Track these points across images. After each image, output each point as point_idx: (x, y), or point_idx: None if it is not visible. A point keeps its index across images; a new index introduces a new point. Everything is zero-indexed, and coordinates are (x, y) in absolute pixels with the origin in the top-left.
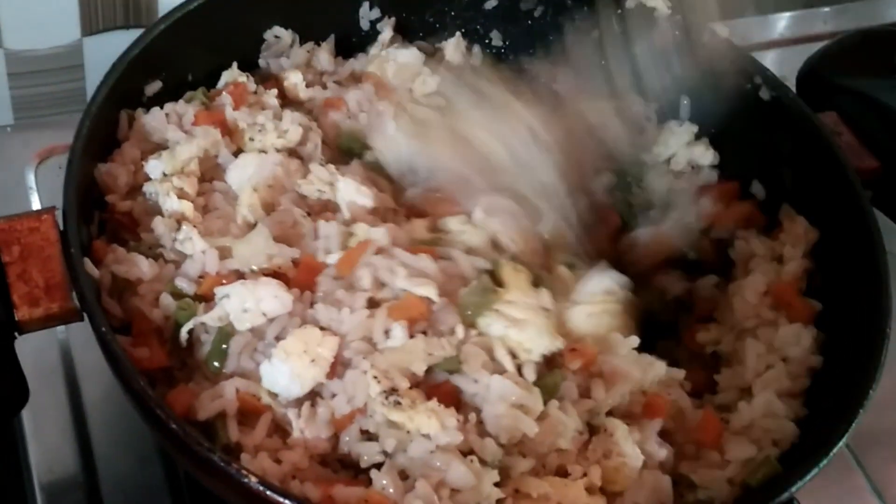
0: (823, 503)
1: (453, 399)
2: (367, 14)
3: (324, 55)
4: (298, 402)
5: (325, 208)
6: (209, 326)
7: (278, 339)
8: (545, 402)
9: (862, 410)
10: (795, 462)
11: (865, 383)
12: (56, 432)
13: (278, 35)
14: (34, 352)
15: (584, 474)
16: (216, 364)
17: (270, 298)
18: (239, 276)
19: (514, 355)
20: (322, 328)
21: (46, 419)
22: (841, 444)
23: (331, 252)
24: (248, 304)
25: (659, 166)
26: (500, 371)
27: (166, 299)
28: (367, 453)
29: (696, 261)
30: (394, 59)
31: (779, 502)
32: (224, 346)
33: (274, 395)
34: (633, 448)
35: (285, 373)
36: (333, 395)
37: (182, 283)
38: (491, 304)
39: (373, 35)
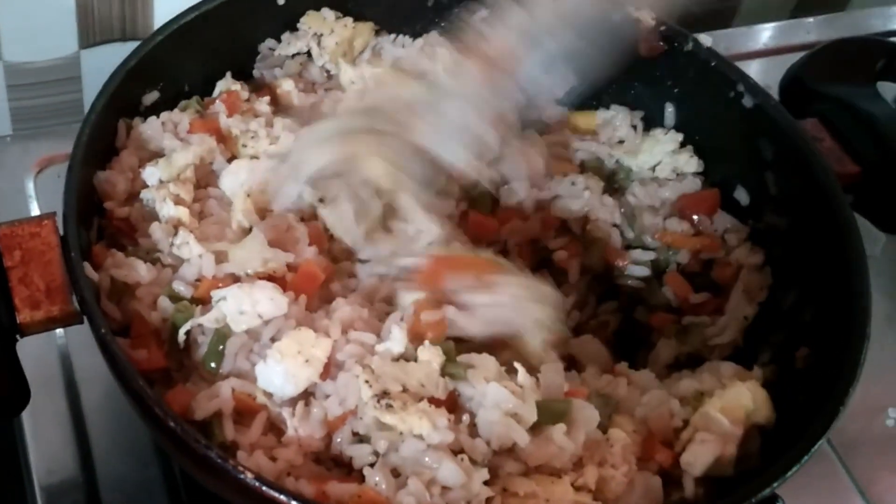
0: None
1: (449, 401)
2: None
3: (315, 68)
4: (293, 402)
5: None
6: (206, 328)
7: (273, 340)
8: (552, 424)
9: (843, 407)
10: (777, 458)
11: (846, 381)
12: (55, 434)
13: (272, 47)
14: (34, 356)
15: (577, 479)
16: (213, 365)
17: (266, 301)
18: (235, 279)
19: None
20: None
21: (46, 422)
22: (823, 440)
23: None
24: (245, 306)
25: (644, 174)
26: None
27: (164, 302)
28: (359, 455)
29: None
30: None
31: (762, 498)
32: (220, 347)
33: (269, 395)
34: (628, 459)
35: (280, 373)
36: (327, 396)
37: (179, 287)
38: None
39: None
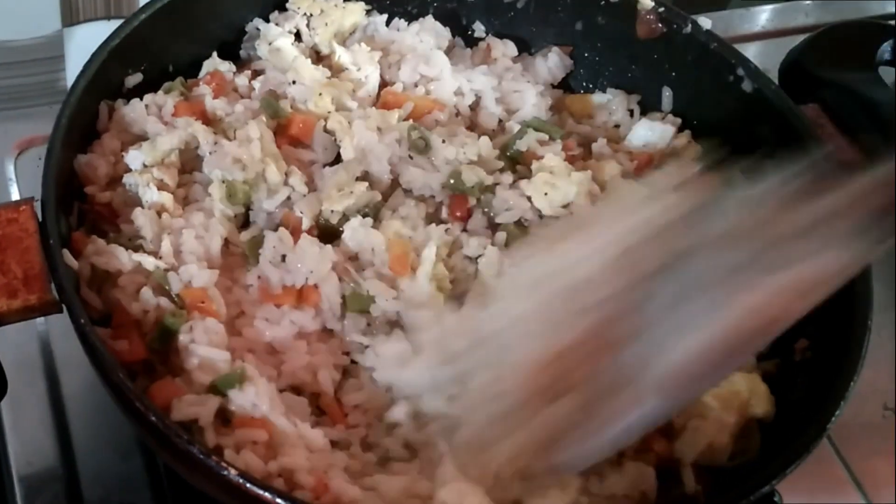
0: (803, 494)
1: None
2: None
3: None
4: None
5: None
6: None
7: None
8: None
9: (843, 402)
10: (777, 454)
11: (847, 375)
12: (35, 424)
13: (259, 27)
14: (13, 344)
15: None
16: None
17: None
18: None
19: None
20: None
21: (25, 411)
22: (822, 437)
23: None
24: None
25: None
26: None
27: (146, 293)
28: None
29: None
30: None
31: (761, 495)
32: None
33: None
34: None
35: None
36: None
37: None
38: None
39: None
